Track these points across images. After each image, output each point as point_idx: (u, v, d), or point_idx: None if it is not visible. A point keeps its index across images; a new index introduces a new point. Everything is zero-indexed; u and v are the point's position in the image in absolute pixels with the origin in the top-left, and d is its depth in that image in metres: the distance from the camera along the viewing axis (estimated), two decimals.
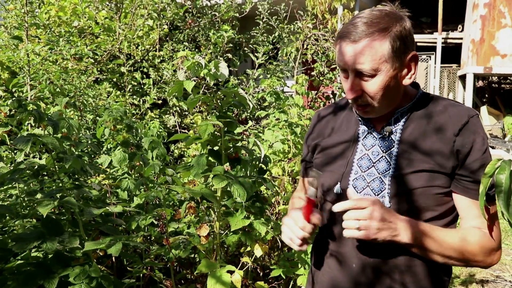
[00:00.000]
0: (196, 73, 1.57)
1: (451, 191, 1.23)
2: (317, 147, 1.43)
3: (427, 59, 10.48)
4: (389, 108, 1.26)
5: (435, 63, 10.25)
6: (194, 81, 1.59)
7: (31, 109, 1.62)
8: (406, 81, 1.23)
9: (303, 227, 1.22)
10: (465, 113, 1.23)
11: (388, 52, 1.15)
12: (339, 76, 5.53)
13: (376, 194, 1.25)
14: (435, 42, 10.22)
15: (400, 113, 1.27)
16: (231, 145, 1.93)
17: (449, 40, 10.58)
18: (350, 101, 1.25)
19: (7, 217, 2.07)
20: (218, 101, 1.72)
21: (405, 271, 1.24)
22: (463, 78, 9.74)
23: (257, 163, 2.14)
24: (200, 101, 1.77)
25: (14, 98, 1.56)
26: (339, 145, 1.36)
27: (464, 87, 9.64)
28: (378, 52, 1.14)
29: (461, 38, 10.29)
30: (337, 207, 1.16)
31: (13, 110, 1.78)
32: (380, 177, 1.25)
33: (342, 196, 1.30)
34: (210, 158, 1.92)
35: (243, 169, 2.05)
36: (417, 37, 10.68)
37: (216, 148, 1.95)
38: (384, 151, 1.27)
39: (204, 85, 1.72)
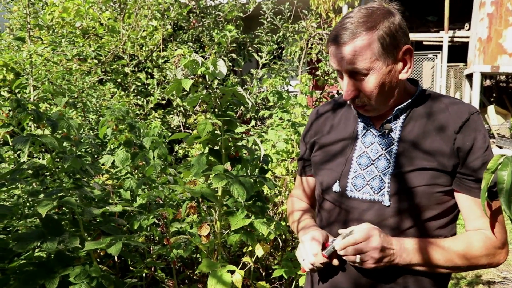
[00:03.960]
0: (193, 71, 1.56)
1: (451, 190, 1.22)
2: (315, 145, 1.42)
3: (434, 58, 10.41)
4: (388, 104, 1.24)
5: (441, 62, 10.18)
6: (192, 79, 1.58)
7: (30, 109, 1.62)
8: (403, 76, 1.21)
9: (316, 254, 1.23)
10: (466, 110, 1.21)
11: (378, 50, 1.14)
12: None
13: (376, 192, 1.23)
14: (442, 41, 10.15)
15: (399, 110, 1.26)
16: (232, 144, 1.92)
17: (455, 39, 10.50)
18: (348, 101, 1.25)
19: (11, 218, 2.07)
20: (217, 99, 1.71)
21: (408, 274, 1.22)
22: (470, 77, 9.67)
23: (258, 162, 2.12)
24: (200, 100, 1.76)
25: (12, 98, 1.56)
26: (338, 143, 1.35)
27: (471, 86, 9.56)
28: (368, 52, 1.14)
29: (468, 37, 10.21)
30: (338, 245, 1.17)
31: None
32: (379, 175, 1.24)
33: (341, 194, 1.29)
34: (210, 157, 1.91)
35: (244, 168, 2.04)
36: (423, 36, 10.61)
37: (217, 147, 1.94)
38: (384, 148, 1.26)
39: (208, 85, 1.71)
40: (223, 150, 1.90)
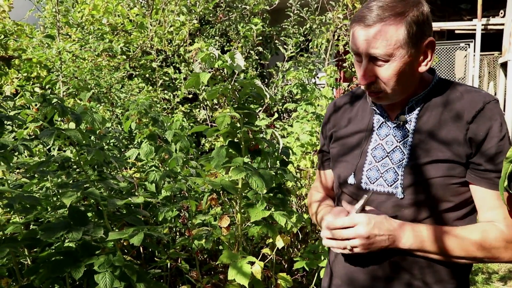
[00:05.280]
0: (211, 64, 1.57)
1: (467, 181, 1.19)
2: (333, 137, 1.41)
3: (466, 47, 10.07)
4: (403, 95, 1.22)
5: (474, 51, 9.84)
6: (210, 72, 1.59)
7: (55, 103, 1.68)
8: (422, 68, 1.19)
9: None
10: (480, 99, 1.17)
11: (404, 38, 1.11)
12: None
13: (390, 184, 1.22)
14: (475, 29, 9.82)
15: (414, 102, 1.24)
16: (251, 137, 1.93)
17: (489, 27, 10.13)
18: (362, 87, 1.22)
19: (45, 209, 2.15)
20: (236, 92, 1.72)
21: (425, 266, 1.21)
22: (504, 66, 9.33)
23: (280, 155, 2.13)
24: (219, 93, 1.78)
25: (39, 93, 1.63)
26: (354, 135, 1.35)
27: (505, 75, 9.24)
28: (393, 37, 1.11)
29: (503, 24, 9.83)
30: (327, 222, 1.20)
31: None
32: (393, 168, 1.22)
33: (357, 187, 1.29)
34: (230, 150, 1.93)
35: (265, 161, 2.05)
36: (456, 25, 10.30)
37: (236, 140, 1.96)
38: (399, 140, 1.24)
39: (226, 78, 1.72)
40: (242, 143, 1.91)
